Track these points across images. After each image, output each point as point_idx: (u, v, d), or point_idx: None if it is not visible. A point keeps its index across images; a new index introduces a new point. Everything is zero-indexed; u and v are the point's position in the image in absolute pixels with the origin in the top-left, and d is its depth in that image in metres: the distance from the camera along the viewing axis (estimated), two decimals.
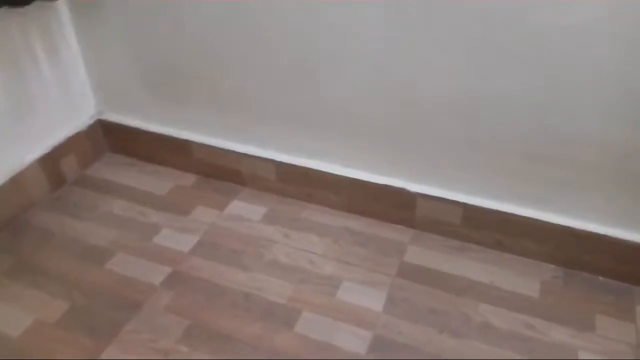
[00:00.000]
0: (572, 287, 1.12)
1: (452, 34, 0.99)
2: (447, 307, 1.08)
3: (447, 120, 1.10)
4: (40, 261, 1.19)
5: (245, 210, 1.34)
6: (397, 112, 1.14)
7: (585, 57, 0.93)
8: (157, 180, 1.43)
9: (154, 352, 1.00)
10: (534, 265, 1.17)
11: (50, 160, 1.37)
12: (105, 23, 1.30)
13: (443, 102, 1.08)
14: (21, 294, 1.12)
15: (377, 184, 1.25)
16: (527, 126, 1.04)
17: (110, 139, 1.52)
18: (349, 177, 1.27)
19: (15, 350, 1.00)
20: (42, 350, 1.00)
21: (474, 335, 1.03)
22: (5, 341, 1.02)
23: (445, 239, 1.23)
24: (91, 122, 1.47)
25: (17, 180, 1.29)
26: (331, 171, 1.29)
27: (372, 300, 1.09)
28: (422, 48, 1.03)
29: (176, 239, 1.25)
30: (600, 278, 1.14)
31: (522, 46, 0.96)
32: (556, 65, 0.95)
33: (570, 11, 0.89)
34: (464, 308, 1.08)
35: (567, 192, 1.09)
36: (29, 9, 1.17)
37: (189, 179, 1.44)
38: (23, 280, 1.15)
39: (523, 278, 1.14)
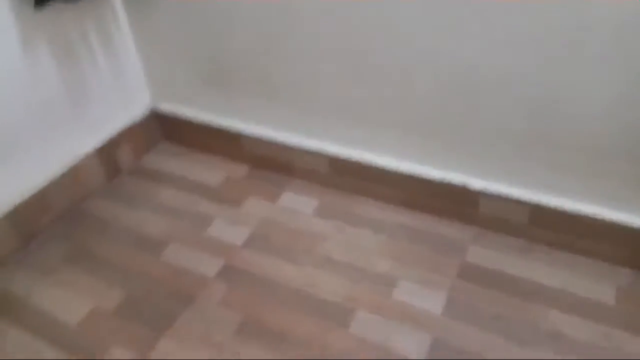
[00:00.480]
0: None
1: (521, 22, 0.91)
2: (513, 313, 1.01)
3: (515, 112, 1.02)
4: (97, 249, 1.21)
5: (298, 203, 1.31)
6: (460, 103, 1.07)
7: None
8: (210, 171, 1.42)
9: (208, 346, 0.99)
10: (608, 269, 1.08)
11: (107, 151, 1.38)
12: (158, 14, 1.29)
13: (511, 93, 1.01)
14: (78, 281, 1.13)
15: (435, 179, 1.19)
16: (604, 121, 0.95)
17: (164, 129, 1.52)
18: (406, 172, 1.21)
19: (73, 338, 1.01)
20: (99, 339, 1.01)
21: (544, 344, 0.96)
22: (64, 329, 1.03)
23: (511, 238, 1.16)
24: (145, 112, 1.47)
25: (75, 170, 1.31)
26: (387, 165, 1.23)
27: (431, 302, 1.04)
28: (485, 34, 0.95)
29: (229, 230, 1.24)
30: None
31: (602, 43, 0.87)
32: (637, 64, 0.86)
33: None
34: (532, 314, 1.01)
35: None
36: (84, 2, 1.18)
37: (241, 169, 1.42)
38: (80, 267, 1.17)
39: (597, 283, 1.05)
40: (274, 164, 1.39)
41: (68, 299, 1.09)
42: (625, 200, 1.02)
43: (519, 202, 1.11)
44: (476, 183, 1.15)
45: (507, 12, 0.92)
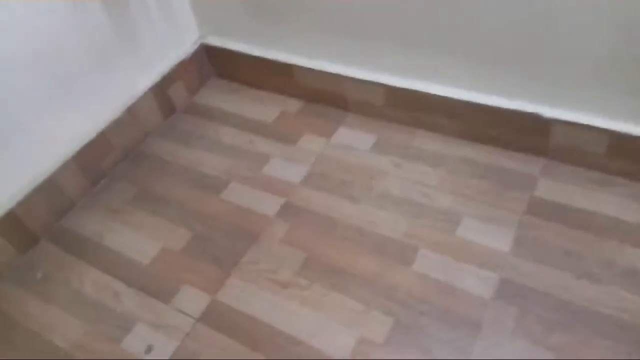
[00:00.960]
0: None
1: None
2: (586, 249, 0.97)
3: (593, 31, 0.92)
4: (160, 190, 1.24)
5: (353, 139, 1.27)
6: (527, 20, 0.96)
7: None
8: (262, 107, 1.40)
9: (273, 283, 1.02)
10: None
11: (161, 89, 1.38)
12: None
13: (587, 8, 0.89)
14: (146, 222, 1.17)
15: (501, 107, 1.11)
16: None
17: (214, 64, 1.49)
18: (467, 101, 1.14)
19: (147, 278, 1.07)
20: (171, 278, 1.06)
21: (618, 282, 0.92)
22: (138, 268, 1.09)
23: (585, 170, 1.09)
24: (195, 47, 1.44)
25: (132, 110, 1.32)
26: (446, 94, 1.16)
27: (498, 239, 1.01)
28: None
29: (286, 168, 1.23)
30: None
31: None
32: None
33: None
34: (606, 251, 0.96)
35: None
36: None
37: (294, 104, 1.39)
38: (146, 208, 1.20)
39: None
40: (327, 98, 1.34)
41: (138, 240, 1.14)
42: None
43: (596, 131, 1.03)
44: (547, 111, 1.07)
45: None
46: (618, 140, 1.02)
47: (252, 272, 1.04)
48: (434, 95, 1.18)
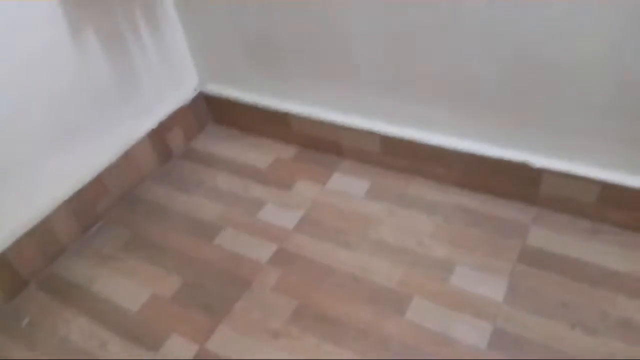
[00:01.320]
0: None
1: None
2: (580, 300, 0.96)
3: (582, 81, 0.94)
4: (153, 236, 1.24)
5: (348, 185, 1.28)
6: (519, 74, 1.00)
7: None
8: (259, 153, 1.42)
9: (265, 332, 1.00)
10: None
11: (158, 134, 1.40)
12: None
13: (580, 60, 0.92)
14: (137, 268, 1.16)
15: (493, 157, 1.13)
16: None
17: (212, 110, 1.52)
18: (462, 150, 1.16)
19: (135, 326, 1.05)
20: (160, 326, 1.04)
21: (612, 333, 0.91)
22: (126, 316, 1.07)
23: (575, 219, 1.09)
24: (194, 94, 1.47)
25: (129, 155, 1.34)
26: (441, 143, 1.18)
27: (492, 288, 1.00)
28: (546, 3, 0.87)
29: (280, 214, 1.23)
30: None
31: None
32: None
33: None
34: (600, 301, 0.95)
35: None
36: None
37: (290, 151, 1.41)
38: (138, 254, 1.20)
39: None
40: (323, 145, 1.37)
41: (128, 286, 1.13)
42: None
43: (586, 181, 1.04)
44: (538, 160, 1.08)
45: None
46: (609, 190, 1.03)
47: (242, 320, 1.03)
48: (430, 144, 1.20)
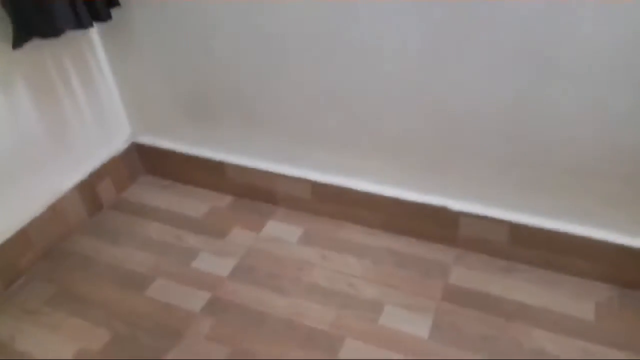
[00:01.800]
0: (629, 308, 1.06)
1: (490, 48, 0.95)
2: (498, 333, 1.03)
3: (488, 135, 1.06)
4: (81, 289, 1.20)
5: (282, 231, 1.32)
6: (435, 129, 1.10)
7: (630, 76, 0.87)
8: (193, 202, 1.43)
9: None
10: (587, 285, 1.11)
11: (87, 186, 1.38)
12: (137, 49, 1.31)
13: (484, 117, 1.04)
14: (63, 323, 1.12)
15: (416, 202, 1.21)
16: (572, 140, 0.99)
17: (145, 161, 1.52)
18: (387, 196, 1.24)
19: None
20: None
21: None
22: None
23: (492, 258, 1.19)
24: (126, 145, 1.47)
25: (55, 208, 1.30)
26: (368, 189, 1.26)
27: (417, 326, 1.06)
28: (458, 64, 0.99)
29: (214, 263, 1.24)
30: None
31: (570, 59, 0.91)
32: (604, 80, 0.90)
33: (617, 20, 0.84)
34: (515, 333, 1.03)
35: (617, 208, 1.03)
36: (62, 39, 1.18)
37: (224, 199, 1.43)
38: (65, 309, 1.15)
39: (577, 300, 1.08)
40: (257, 193, 1.40)
41: (53, 342, 1.08)
42: (600, 217, 1.06)
43: (497, 222, 1.14)
44: (455, 204, 1.18)
45: (479, 44, 0.96)
46: (518, 230, 1.14)
47: None
48: (357, 190, 1.27)
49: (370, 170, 1.24)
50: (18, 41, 1.07)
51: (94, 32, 1.32)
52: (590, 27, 0.87)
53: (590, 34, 0.87)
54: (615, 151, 0.97)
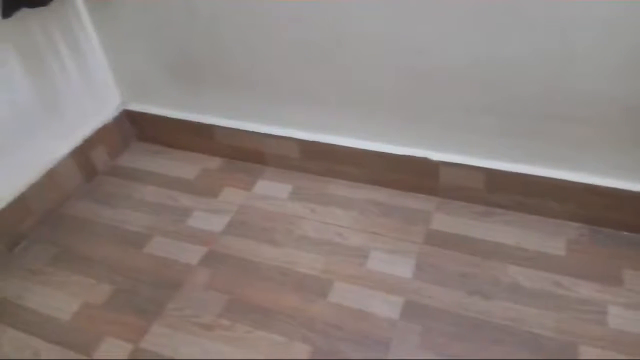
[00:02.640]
0: (597, 243, 1.14)
1: (455, 4, 1.00)
2: (476, 271, 1.11)
3: (461, 87, 1.11)
4: (82, 249, 1.25)
5: (272, 189, 1.38)
6: (411, 82, 1.15)
7: (592, 17, 0.92)
8: (185, 165, 1.48)
9: (197, 327, 1.06)
10: (558, 224, 1.19)
11: (81, 153, 1.42)
12: (122, 15, 1.33)
13: (455, 69, 1.09)
14: (67, 281, 1.18)
15: (398, 154, 1.27)
16: (541, 87, 1.05)
17: (136, 128, 1.56)
18: (370, 150, 1.30)
19: (67, 333, 1.06)
20: (92, 331, 1.07)
21: (504, 296, 1.06)
22: (58, 325, 1.08)
23: (470, 204, 1.26)
24: (117, 113, 1.51)
25: (51, 175, 1.35)
26: (352, 145, 1.31)
27: (402, 268, 1.13)
28: (429, 16, 1.04)
29: (208, 220, 1.30)
30: (625, 233, 1.16)
31: (531, 7, 0.96)
32: (565, 25, 0.95)
33: None
34: (492, 270, 1.11)
35: (586, 150, 1.10)
36: (48, 8, 1.21)
37: (215, 162, 1.48)
38: (67, 268, 1.21)
39: (549, 238, 1.16)
40: (247, 154, 1.45)
41: (58, 298, 1.14)
42: (570, 161, 1.13)
43: (475, 169, 1.21)
44: (435, 155, 1.24)
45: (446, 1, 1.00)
46: (493, 176, 1.20)
47: (175, 318, 1.08)
48: (341, 146, 1.32)
49: (353, 126, 1.29)
50: (7, 10, 1.10)
51: (80, 1, 1.34)
52: None
53: None
54: (580, 97, 1.03)
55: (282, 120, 1.36)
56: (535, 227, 1.19)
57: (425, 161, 1.25)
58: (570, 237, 1.16)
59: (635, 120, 1.02)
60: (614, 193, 1.11)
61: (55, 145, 1.36)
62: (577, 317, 1.01)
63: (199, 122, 1.45)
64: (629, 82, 0.98)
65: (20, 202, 1.28)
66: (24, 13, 1.17)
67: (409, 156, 1.26)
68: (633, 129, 1.03)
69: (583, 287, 1.06)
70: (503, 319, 1.02)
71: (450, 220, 1.23)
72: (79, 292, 1.15)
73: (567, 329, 0.99)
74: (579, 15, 0.94)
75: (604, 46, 0.96)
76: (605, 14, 0.92)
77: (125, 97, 1.52)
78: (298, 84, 1.27)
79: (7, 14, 1.10)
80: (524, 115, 1.10)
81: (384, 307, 1.06)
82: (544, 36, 0.98)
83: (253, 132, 1.40)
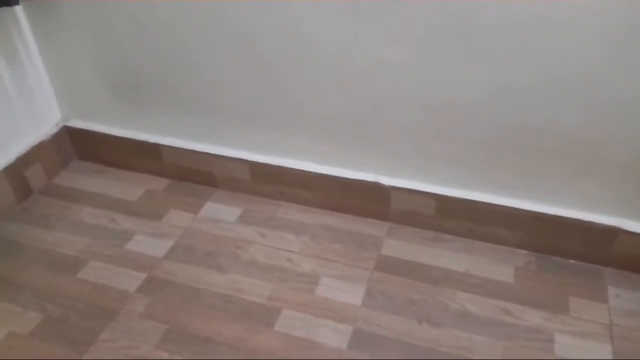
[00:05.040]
0: (545, 271, 1.15)
1: (411, 29, 1.00)
2: (425, 297, 1.09)
3: (413, 114, 1.11)
4: (9, 274, 1.16)
5: (220, 212, 1.33)
6: (364, 107, 1.14)
7: (543, 51, 0.95)
8: (128, 186, 1.41)
9: (132, 358, 0.98)
10: (507, 251, 1.20)
11: (15, 171, 1.33)
12: (65, 28, 1.27)
13: (408, 97, 1.09)
14: None
15: (350, 179, 1.25)
16: (492, 118, 1.06)
17: (77, 146, 1.48)
18: (322, 174, 1.27)
19: None
20: None
21: (452, 323, 1.04)
22: None
23: (420, 230, 1.25)
24: (56, 129, 1.43)
25: None
26: (304, 168, 1.29)
27: (351, 295, 1.10)
28: (384, 45, 1.04)
29: (150, 244, 1.23)
30: (572, 261, 1.17)
31: (484, 41, 0.97)
32: (517, 59, 0.97)
33: (517, 7, 0.91)
34: (441, 297, 1.09)
35: (535, 179, 1.12)
36: None
37: (161, 183, 1.42)
38: None
39: (497, 265, 1.16)
40: (194, 175, 1.40)
41: None
42: (517, 188, 1.14)
43: (425, 195, 1.20)
44: (387, 180, 1.23)
45: (401, 18, 1.00)
46: (443, 203, 1.20)
47: (108, 349, 1.00)
48: (293, 169, 1.29)
49: (305, 149, 1.27)
50: None
51: (21, 12, 1.27)
52: (495, 10, 0.93)
53: (494, 16, 0.94)
54: (530, 128, 1.05)
55: (233, 141, 1.32)
56: (485, 254, 1.19)
57: (376, 186, 1.24)
58: (519, 265, 1.17)
59: (582, 152, 1.04)
60: (561, 221, 1.13)
61: None
62: (524, 345, 1.00)
63: (145, 141, 1.39)
64: (578, 115, 1.00)
65: None
66: None
67: (360, 180, 1.25)
68: (581, 160, 1.06)
69: (531, 315, 1.06)
70: (452, 347, 1.00)
71: (401, 246, 1.21)
72: (4, 320, 1.05)
73: (515, 358, 0.98)
74: (528, 49, 0.96)
75: (552, 80, 0.98)
76: (554, 49, 0.95)
77: (66, 113, 1.45)
78: (250, 105, 1.24)
79: None
80: (475, 143, 1.11)
81: (332, 336, 1.02)
82: (495, 68, 1.00)
83: (202, 153, 1.36)
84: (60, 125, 1.44)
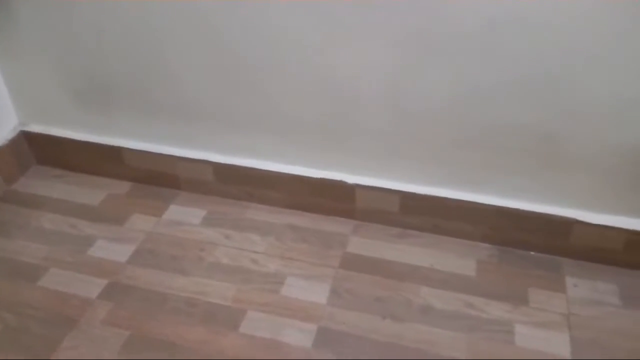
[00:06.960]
0: (506, 264, 1.17)
1: (380, 32, 1.00)
2: (390, 294, 1.10)
3: (375, 113, 1.12)
4: None
5: (184, 215, 1.31)
6: (328, 106, 1.15)
7: (501, 50, 0.97)
8: (89, 191, 1.38)
9: None
10: (471, 246, 1.21)
11: None
12: (22, 30, 1.23)
13: (370, 96, 1.10)
14: None
15: (315, 178, 1.25)
16: (453, 115, 1.08)
17: (36, 150, 1.44)
18: (288, 173, 1.27)
19: None
20: None
21: (416, 318, 1.05)
22: None
23: (386, 227, 1.26)
24: (13, 134, 1.39)
25: None
26: (269, 168, 1.28)
27: (317, 294, 1.10)
28: (352, 47, 1.04)
29: (112, 249, 1.21)
30: (532, 253, 1.20)
31: (445, 42, 0.98)
32: (477, 58, 0.99)
33: (482, 9, 0.93)
34: (406, 293, 1.10)
35: (496, 174, 1.13)
36: None
37: (123, 186, 1.39)
38: None
39: (460, 259, 1.18)
40: (158, 178, 1.38)
41: None
42: (479, 183, 1.16)
43: (389, 192, 1.21)
44: (351, 178, 1.23)
45: (369, 20, 1.01)
46: (407, 199, 1.21)
47: (69, 358, 0.98)
48: (258, 169, 1.29)
49: (270, 149, 1.26)
50: None
51: None
52: (460, 10, 0.95)
53: (463, 19, 0.95)
54: (491, 125, 1.06)
55: (196, 143, 1.31)
56: (450, 249, 1.20)
57: (341, 184, 1.24)
58: (481, 258, 1.18)
59: (543, 146, 1.07)
60: (522, 214, 1.15)
61: None
62: (487, 337, 1.02)
63: (106, 144, 1.36)
64: (540, 112, 1.02)
65: None
66: None
67: (326, 179, 1.25)
68: (541, 155, 1.08)
69: (492, 307, 1.07)
70: (415, 341, 1.01)
71: (367, 243, 1.22)
72: None
73: (478, 350, 1.00)
74: (495, 50, 0.97)
75: (516, 80, 0.99)
76: (520, 47, 0.96)
77: (23, 117, 1.41)
78: (214, 106, 1.23)
79: None
80: (437, 141, 1.12)
81: (298, 335, 1.02)
82: (461, 70, 1.01)
83: (165, 155, 1.34)
84: (17, 130, 1.40)
